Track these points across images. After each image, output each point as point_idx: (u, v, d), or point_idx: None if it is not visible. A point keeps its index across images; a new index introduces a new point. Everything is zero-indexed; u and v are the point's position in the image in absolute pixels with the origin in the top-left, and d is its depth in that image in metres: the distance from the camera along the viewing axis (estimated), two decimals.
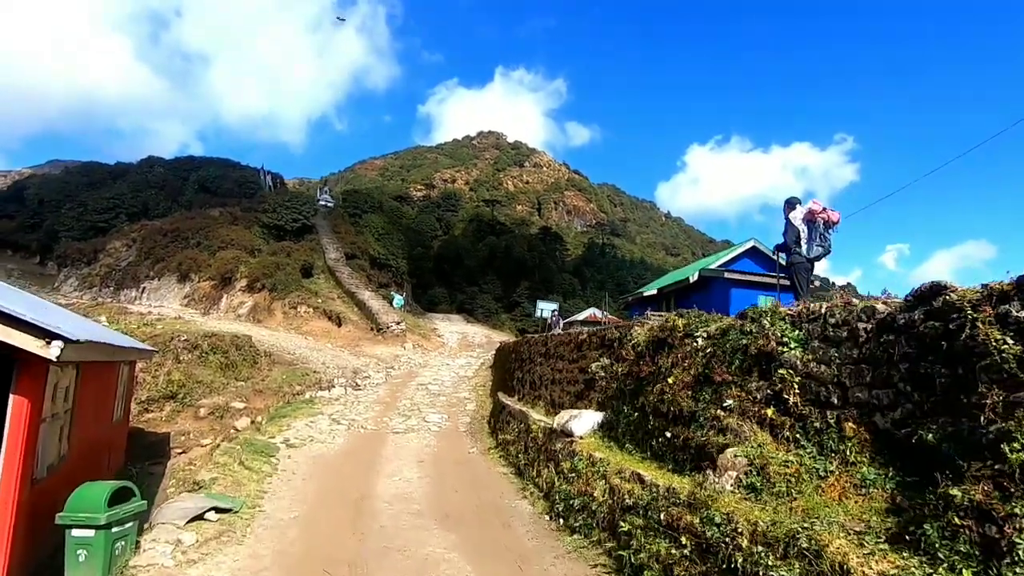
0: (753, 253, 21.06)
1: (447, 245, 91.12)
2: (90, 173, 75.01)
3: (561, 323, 32.08)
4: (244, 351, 18.47)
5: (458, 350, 30.78)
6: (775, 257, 21.42)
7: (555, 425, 7.98)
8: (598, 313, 34.18)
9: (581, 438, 7.32)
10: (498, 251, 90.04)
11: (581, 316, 34.28)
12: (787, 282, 18.94)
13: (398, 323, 30.51)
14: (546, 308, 35.02)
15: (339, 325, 31.70)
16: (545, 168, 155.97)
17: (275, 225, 45.33)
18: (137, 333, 16.53)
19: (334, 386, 18.18)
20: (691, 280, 20.13)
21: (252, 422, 14.35)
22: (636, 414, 6.52)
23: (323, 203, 61.20)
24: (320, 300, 34.94)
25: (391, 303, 37.19)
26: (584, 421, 7.47)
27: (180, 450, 14.48)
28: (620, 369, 7.38)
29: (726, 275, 18.47)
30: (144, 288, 45.80)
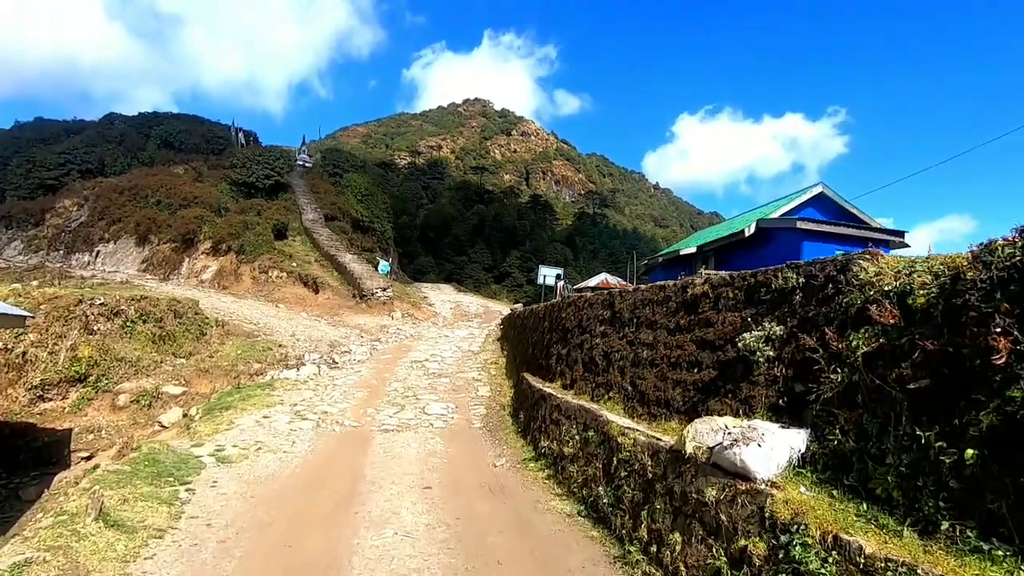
0: (820, 201, 17.33)
1: (434, 213, 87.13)
2: (43, 129, 68.71)
3: (569, 289, 28.34)
4: (187, 319, 14.40)
5: (453, 320, 26.93)
6: (849, 207, 17.83)
7: (689, 449, 4.20)
8: (610, 279, 30.36)
9: (774, 484, 3.55)
10: (487, 220, 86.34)
11: (592, 282, 30.45)
12: (878, 235, 15.35)
13: (384, 289, 26.50)
14: (549, 274, 31.31)
15: (316, 292, 27.59)
16: (533, 137, 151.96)
17: (245, 182, 40.50)
18: (35, 295, 12.37)
19: (304, 364, 14.26)
20: (747, 233, 16.40)
21: (185, 415, 10.46)
22: (953, 451, 2.74)
23: (302, 163, 56.30)
24: (295, 264, 30.69)
25: (376, 268, 33.04)
26: (771, 449, 3.69)
27: (86, 453, 10.58)
28: (853, 344, 3.58)
29: (799, 225, 14.74)
30: (98, 252, 40.94)
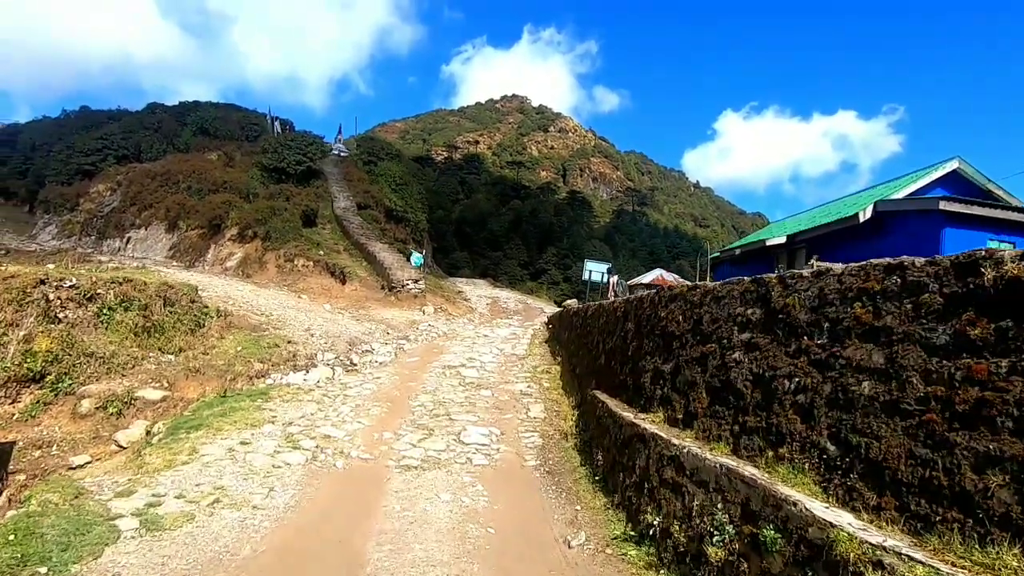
0: (953, 180, 13.91)
1: (469, 208, 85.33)
2: (87, 117, 69.38)
3: (623, 285, 25.35)
4: (180, 308, 12.12)
5: (491, 317, 24.28)
6: (993, 188, 14.35)
7: None
8: (667, 276, 27.32)
9: None
10: (524, 216, 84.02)
11: (646, 279, 27.47)
12: None
13: (416, 281, 24.06)
14: (596, 269, 28.39)
15: (343, 283, 25.37)
16: (571, 133, 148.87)
17: (276, 167, 38.71)
18: None
19: (315, 365, 11.81)
20: (861, 218, 13.16)
21: (148, 432, 8.04)
22: None
23: (337, 152, 54.66)
24: (322, 252, 28.59)
25: (408, 259, 30.70)
26: None
27: (28, 475, 8.32)
28: None
29: (943, 206, 11.44)
30: (129, 237, 39.99)
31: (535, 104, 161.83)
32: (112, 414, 9.24)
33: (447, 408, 9.14)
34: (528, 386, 10.75)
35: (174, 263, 33.12)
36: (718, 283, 5.60)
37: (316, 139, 45.79)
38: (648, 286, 25.53)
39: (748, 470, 3.96)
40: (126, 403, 9.39)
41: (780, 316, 4.51)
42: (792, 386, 4.14)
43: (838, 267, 4.19)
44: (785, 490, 3.52)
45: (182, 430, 7.26)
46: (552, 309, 26.36)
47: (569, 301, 18.99)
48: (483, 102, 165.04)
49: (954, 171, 13.76)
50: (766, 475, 3.90)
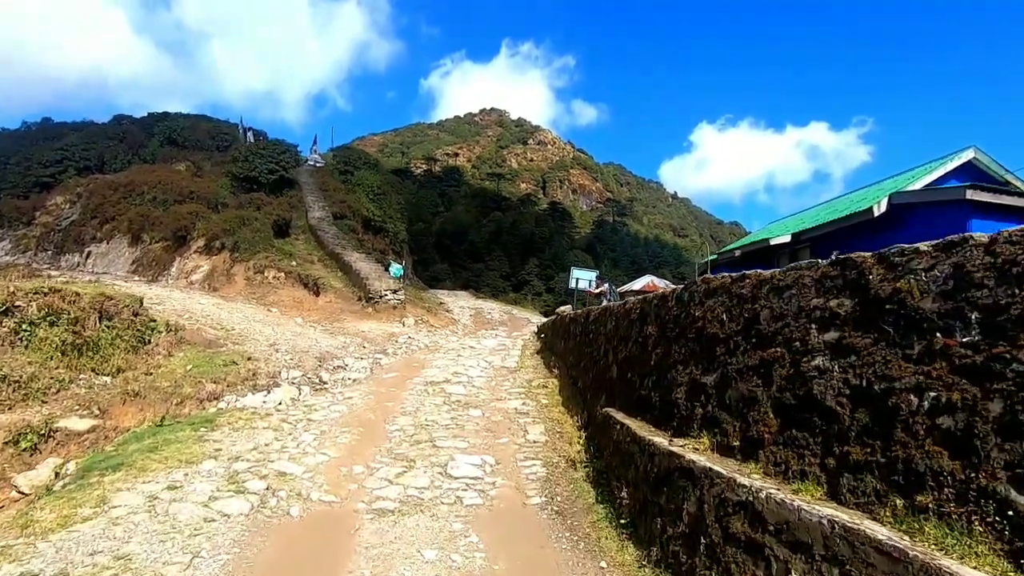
0: (968, 171, 13.06)
1: (450, 221, 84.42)
2: (49, 130, 66.65)
3: (615, 293, 24.25)
4: (119, 322, 10.55)
5: (475, 328, 22.91)
6: (1011, 177, 13.55)
7: None
8: (657, 282, 26.29)
9: None
10: (504, 227, 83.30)
11: (636, 286, 26.42)
12: None
13: (395, 292, 22.61)
14: (583, 277, 27.35)
15: (316, 294, 23.80)
16: (550, 146, 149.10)
17: (247, 176, 36.99)
18: None
19: (278, 384, 10.33)
20: (876, 212, 12.23)
21: (57, 474, 6.51)
22: None
23: (312, 163, 53.00)
24: (295, 263, 26.98)
25: (387, 269, 29.22)
26: None
27: None
28: None
29: (969, 195, 10.51)
30: (89, 252, 37.78)
31: (514, 117, 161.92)
32: (25, 450, 7.65)
33: (430, 432, 7.75)
34: (523, 403, 9.39)
35: (136, 277, 31.19)
36: (777, 270, 4.39)
37: (289, 147, 44.13)
38: (638, 293, 24.45)
39: (878, 531, 2.70)
40: (43, 436, 7.82)
41: (887, 307, 3.29)
42: (925, 404, 2.91)
43: (981, 236, 3.01)
44: (960, 569, 2.26)
45: (95, 472, 5.77)
46: (539, 319, 25.14)
47: (563, 307, 17.75)
48: (462, 115, 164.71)
49: (969, 161, 12.94)
50: (905, 537, 2.64)
